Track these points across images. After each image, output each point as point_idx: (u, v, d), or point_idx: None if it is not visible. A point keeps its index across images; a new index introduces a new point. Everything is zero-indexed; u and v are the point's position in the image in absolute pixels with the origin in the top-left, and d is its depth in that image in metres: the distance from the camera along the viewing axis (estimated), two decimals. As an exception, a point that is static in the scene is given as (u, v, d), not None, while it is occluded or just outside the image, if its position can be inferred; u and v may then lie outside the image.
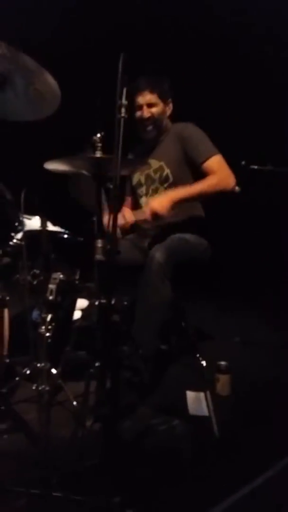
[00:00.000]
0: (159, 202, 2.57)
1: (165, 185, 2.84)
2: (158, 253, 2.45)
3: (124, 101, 1.80)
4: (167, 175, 2.83)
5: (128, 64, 1.77)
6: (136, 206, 3.07)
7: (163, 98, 2.83)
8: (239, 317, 4.25)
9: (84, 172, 2.05)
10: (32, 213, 2.48)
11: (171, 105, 2.90)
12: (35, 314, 3.16)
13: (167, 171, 2.82)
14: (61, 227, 2.49)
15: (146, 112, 2.80)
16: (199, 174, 2.76)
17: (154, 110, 2.81)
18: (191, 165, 2.79)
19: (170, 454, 2.03)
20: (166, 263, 2.43)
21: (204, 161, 2.72)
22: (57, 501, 1.65)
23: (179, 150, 2.80)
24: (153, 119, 2.83)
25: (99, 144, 1.99)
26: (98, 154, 1.98)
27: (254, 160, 3.29)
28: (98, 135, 1.99)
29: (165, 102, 2.85)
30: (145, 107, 2.80)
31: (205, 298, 4.24)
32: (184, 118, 2.91)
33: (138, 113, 2.83)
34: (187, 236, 2.71)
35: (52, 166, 2.05)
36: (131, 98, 2.65)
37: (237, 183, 3.10)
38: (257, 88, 4.62)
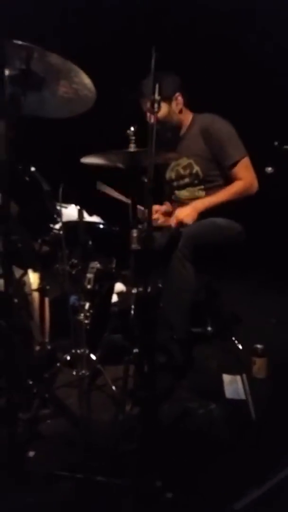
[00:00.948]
0: (186, 214, 2.68)
1: (196, 181, 2.88)
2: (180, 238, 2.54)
3: (157, 96, 1.82)
4: (197, 173, 2.85)
5: (161, 60, 1.78)
6: (169, 200, 3.11)
7: (165, 97, 2.68)
8: (275, 298, 4.24)
9: (119, 165, 2.09)
10: (68, 202, 2.55)
11: (179, 99, 2.84)
12: (72, 299, 3.26)
13: (196, 168, 2.84)
14: (99, 216, 2.55)
15: (151, 118, 2.75)
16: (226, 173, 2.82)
17: (158, 114, 2.77)
18: (219, 161, 2.82)
19: (208, 438, 2.09)
20: (184, 246, 2.51)
21: (232, 165, 2.77)
22: (100, 485, 1.73)
23: (206, 147, 2.81)
24: (159, 123, 2.80)
25: (133, 138, 2.03)
26: (132, 147, 2.01)
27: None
28: (132, 128, 2.02)
29: (169, 100, 2.81)
30: (149, 114, 2.77)
31: (240, 279, 4.28)
32: (216, 100, 2.89)
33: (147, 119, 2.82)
34: (219, 220, 2.75)
35: (89, 160, 2.10)
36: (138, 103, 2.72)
37: (270, 164, 3.10)
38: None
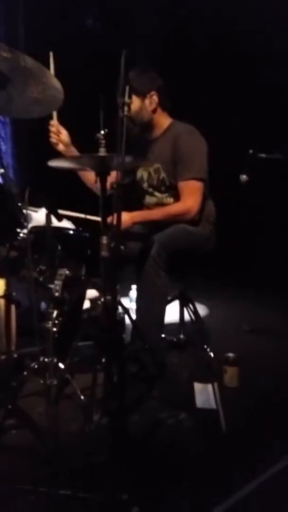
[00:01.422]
0: (123, 220, 2.58)
1: (163, 187, 2.83)
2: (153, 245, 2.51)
3: (127, 99, 1.78)
4: (163, 179, 2.80)
5: (130, 61, 1.75)
6: (140, 202, 3.05)
7: (138, 93, 2.71)
8: (248, 306, 4.24)
9: (88, 169, 2.05)
10: (38, 206, 2.49)
11: (154, 98, 2.77)
12: (43, 305, 3.20)
13: (163, 174, 2.80)
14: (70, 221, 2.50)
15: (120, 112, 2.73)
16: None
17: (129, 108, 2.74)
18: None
19: (177, 449, 2.05)
20: (158, 255, 2.49)
21: (180, 181, 2.72)
22: (64, 499, 1.67)
23: (173, 156, 2.75)
24: (128, 118, 2.76)
25: (103, 141, 1.99)
26: (102, 151, 1.97)
27: (262, 148, 3.26)
28: (102, 132, 1.98)
29: (142, 96, 2.75)
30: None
31: (213, 287, 4.28)
32: (192, 107, 2.86)
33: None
34: (188, 226, 2.71)
35: (56, 163, 2.05)
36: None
37: (245, 172, 3.09)
38: (265, 78, 4.59)
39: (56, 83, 1.83)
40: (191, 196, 2.69)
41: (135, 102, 2.69)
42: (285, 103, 4.41)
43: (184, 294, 2.91)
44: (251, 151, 3.18)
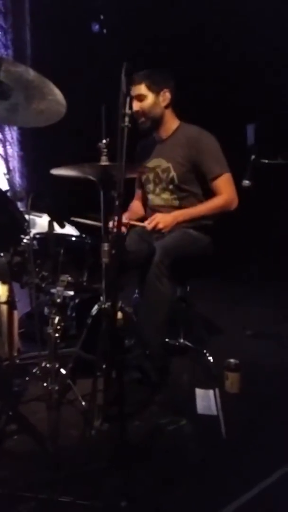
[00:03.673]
0: (165, 220, 2.63)
1: (171, 186, 2.86)
2: (156, 251, 2.53)
3: (127, 110, 1.80)
4: (172, 178, 2.84)
5: (131, 73, 1.77)
6: (144, 201, 3.13)
7: (153, 88, 2.79)
8: (251, 309, 4.25)
9: (90, 177, 2.07)
10: (42, 211, 2.51)
11: (167, 95, 2.83)
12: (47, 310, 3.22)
13: (173, 173, 2.83)
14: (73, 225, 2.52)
15: (135, 106, 2.77)
16: (207, 186, 2.83)
17: (144, 103, 2.79)
18: (200, 174, 2.82)
19: (178, 455, 2.06)
20: (161, 262, 2.50)
21: (214, 179, 2.77)
22: (63, 506, 1.69)
23: (188, 157, 2.80)
24: (142, 112, 2.81)
25: (105, 151, 2.01)
26: (104, 160, 1.99)
27: (265, 154, 3.28)
28: (104, 141, 2.00)
29: (157, 93, 2.81)
30: (135, 100, 2.78)
31: (214, 292, 4.28)
32: (194, 112, 2.88)
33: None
34: (190, 231, 2.76)
35: (59, 172, 2.07)
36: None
37: (248, 177, 3.11)
38: (263, 84, 4.63)
39: (59, 95, 1.85)
40: (229, 187, 2.78)
41: (149, 97, 2.79)
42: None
43: (184, 298, 2.92)
44: (253, 156, 3.21)
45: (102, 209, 2.06)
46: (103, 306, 2.14)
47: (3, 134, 4.43)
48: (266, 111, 4.45)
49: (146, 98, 2.79)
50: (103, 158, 2.02)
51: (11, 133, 4.76)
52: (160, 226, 2.60)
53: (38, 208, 2.23)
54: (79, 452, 2.02)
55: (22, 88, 1.83)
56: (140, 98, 2.79)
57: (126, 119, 1.81)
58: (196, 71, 4.61)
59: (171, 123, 2.91)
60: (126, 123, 1.81)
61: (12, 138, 4.77)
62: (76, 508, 1.69)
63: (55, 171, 2.09)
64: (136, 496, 1.74)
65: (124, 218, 2.75)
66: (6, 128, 4.58)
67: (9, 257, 2.26)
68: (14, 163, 4.69)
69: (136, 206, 3.19)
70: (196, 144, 2.79)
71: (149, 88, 2.78)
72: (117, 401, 1.98)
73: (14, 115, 1.93)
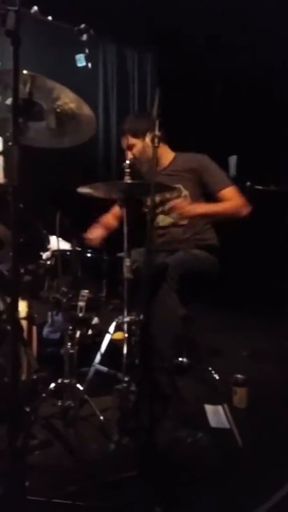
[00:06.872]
0: (192, 207, 2.86)
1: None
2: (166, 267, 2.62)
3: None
4: (185, 196, 2.96)
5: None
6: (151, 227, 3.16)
7: (138, 135, 2.94)
8: (249, 330, 4.36)
9: (115, 196, 2.15)
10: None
11: (153, 135, 2.92)
12: (45, 331, 3.24)
13: (185, 192, 2.95)
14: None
15: (129, 155, 2.94)
16: (214, 200, 2.95)
17: (134, 150, 2.95)
18: (206, 191, 2.96)
19: (199, 466, 2.10)
20: (170, 277, 2.59)
21: (221, 189, 2.91)
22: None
23: (193, 172, 2.95)
24: (137, 158, 2.95)
25: (128, 170, 2.10)
26: (128, 179, 2.08)
27: (259, 181, 3.49)
28: (128, 162, 2.10)
29: (142, 138, 2.95)
30: (127, 151, 2.96)
31: (216, 311, 4.36)
32: (190, 140, 3.02)
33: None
34: (196, 251, 2.90)
35: (85, 190, 2.16)
36: None
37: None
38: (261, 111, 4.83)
39: (90, 114, 1.92)
40: (238, 197, 2.92)
41: (138, 144, 2.95)
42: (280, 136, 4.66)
43: (187, 317, 2.98)
44: (248, 183, 3.43)
45: (125, 227, 2.14)
46: (124, 320, 2.20)
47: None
48: (248, 143, 4.67)
49: (135, 145, 2.95)
50: (126, 177, 2.12)
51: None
52: (187, 212, 2.82)
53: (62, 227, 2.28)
54: (105, 463, 2.05)
55: (53, 108, 1.90)
56: (130, 147, 2.95)
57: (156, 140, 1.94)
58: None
59: (166, 155, 3.06)
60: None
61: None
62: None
63: (82, 190, 2.17)
64: (168, 503, 1.78)
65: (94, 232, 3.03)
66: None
67: (29, 273, 2.31)
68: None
69: (106, 219, 3.25)
70: (197, 163, 2.97)
71: (134, 136, 2.94)
72: (139, 414, 2.03)
73: (45, 137, 2.00)
